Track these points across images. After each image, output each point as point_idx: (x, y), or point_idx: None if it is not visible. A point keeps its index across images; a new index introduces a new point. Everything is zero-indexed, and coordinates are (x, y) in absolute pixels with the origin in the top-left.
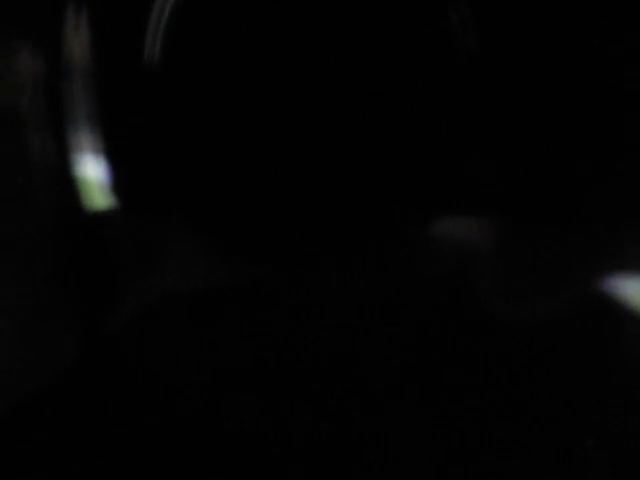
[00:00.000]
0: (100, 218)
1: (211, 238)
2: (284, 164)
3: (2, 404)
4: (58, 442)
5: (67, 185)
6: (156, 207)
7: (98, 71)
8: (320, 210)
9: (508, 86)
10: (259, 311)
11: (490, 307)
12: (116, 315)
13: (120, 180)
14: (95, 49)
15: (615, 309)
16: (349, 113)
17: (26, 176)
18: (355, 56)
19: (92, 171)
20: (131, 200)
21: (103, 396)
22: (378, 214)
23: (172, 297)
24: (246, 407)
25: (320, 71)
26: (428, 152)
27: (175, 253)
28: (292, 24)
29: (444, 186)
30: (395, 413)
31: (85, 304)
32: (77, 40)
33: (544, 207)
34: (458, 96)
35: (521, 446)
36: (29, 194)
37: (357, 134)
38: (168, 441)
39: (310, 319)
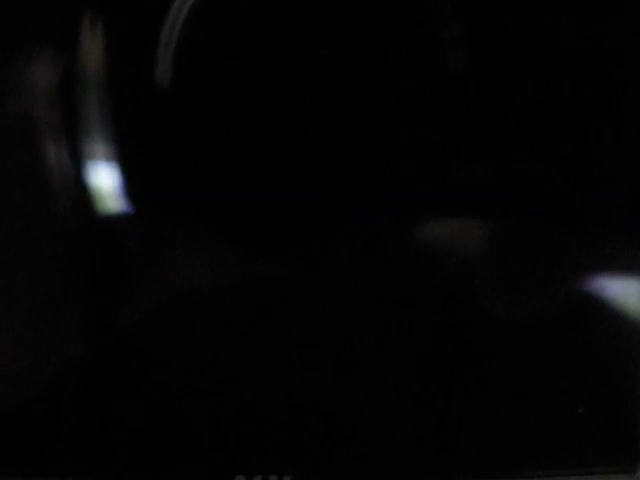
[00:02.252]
0: (112, 222)
1: (221, 238)
2: (290, 167)
3: (14, 396)
4: (66, 433)
5: (81, 191)
6: (167, 210)
7: (112, 80)
8: (326, 212)
9: (499, 93)
10: (269, 308)
11: (486, 306)
12: (128, 313)
13: (132, 185)
14: (109, 58)
15: (601, 308)
16: (347, 123)
17: (41, 182)
18: (351, 71)
19: (105, 177)
20: (143, 204)
21: (111, 390)
22: (377, 216)
23: (183, 295)
24: (255, 399)
25: (320, 84)
26: (424, 158)
27: (186, 253)
28: (296, 43)
29: (441, 189)
30: (395, 410)
31: (97, 303)
32: (92, 50)
33: (538, 210)
34: (451, 105)
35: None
36: (44, 200)
37: (359, 137)
38: (177, 438)
39: (316, 315)
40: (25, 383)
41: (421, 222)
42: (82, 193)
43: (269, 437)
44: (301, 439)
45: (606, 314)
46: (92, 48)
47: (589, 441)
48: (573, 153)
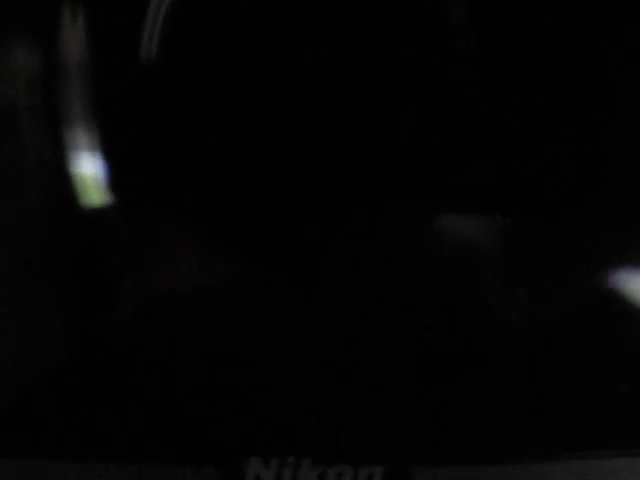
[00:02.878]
0: (97, 215)
1: (208, 235)
2: (282, 159)
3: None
4: (53, 435)
5: (64, 182)
6: (153, 204)
7: (95, 68)
8: (320, 209)
9: (508, 85)
10: (256, 307)
11: (494, 304)
12: (113, 312)
13: (117, 177)
14: (91, 46)
15: (621, 304)
16: (350, 113)
17: (23, 173)
18: (355, 56)
19: (89, 168)
20: (128, 197)
21: (97, 391)
22: (381, 212)
23: (169, 294)
24: (268, 384)
25: (319, 71)
26: (432, 152)
27: (172, 250)
28: (290, 20)
29: (448, 186)
30: (397, 411)
31: (82, 301)
32: (74, 37)
33: (548, 205)
34: (458, 95)
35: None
36: (26, 191)
37: (360, 134)
38: (189, 422)
39: (312, 314)
40: (9, 382)
41: (426, 222)
42: (65, 185)
43: (286, 419)
44: (319, 422)
45: (626, 312)
46: (75, 36)
47: (630, 423)
48: (585, 148)
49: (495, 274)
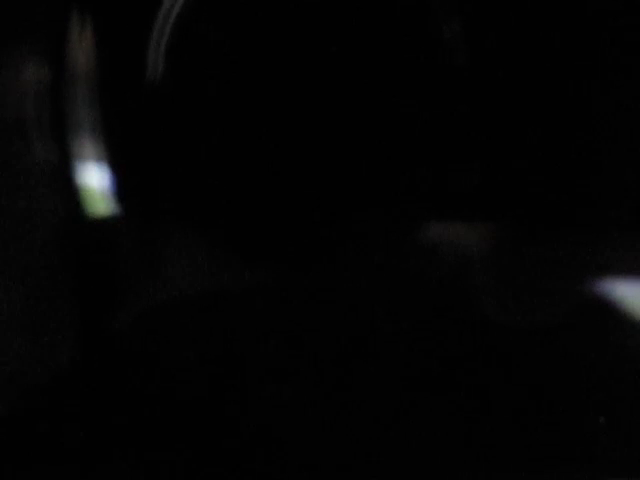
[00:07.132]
0: (103, 225)
1: (215, 241)
2: (285, 168)
3: (3, 401)
4: (58, 439)
5: (70, 192)
6: (159, 212)
7: (102, 79)
8: (322, 213)
9: (499, 95)
10: (263, 312)
11: (487, 310)
12: (119, 319)
13: (123, 187)
14: (99, 58)
15: (610, 312)
16: (345, 121)
17: (29, 184)
18: (348, 69)
19: (95, 178)
20: (134, 206)
21: (103, 396)
22: (376, 219)
23: (176, 301)
24: (247, 407)
25: (316, 84)
26: (425, 159)
27: (178, 257)
28: (291, 39)
29: (441, 192)
30: (397, 417)
31: (87, 309)
32: (81, 49)
33: (539, 212)
34: (451, 105)
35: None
36: (32, 201)
37: (355, 142)
38: (169, 446)
39: (312, 320)
40: (13, 389)
41: (423, 224)
42: (72, 195)
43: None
44: (306, 445)
45: (615, 320)
46: (83, 48)
47: (609, 452)
48: (579, 154)
49: (488, 280)
